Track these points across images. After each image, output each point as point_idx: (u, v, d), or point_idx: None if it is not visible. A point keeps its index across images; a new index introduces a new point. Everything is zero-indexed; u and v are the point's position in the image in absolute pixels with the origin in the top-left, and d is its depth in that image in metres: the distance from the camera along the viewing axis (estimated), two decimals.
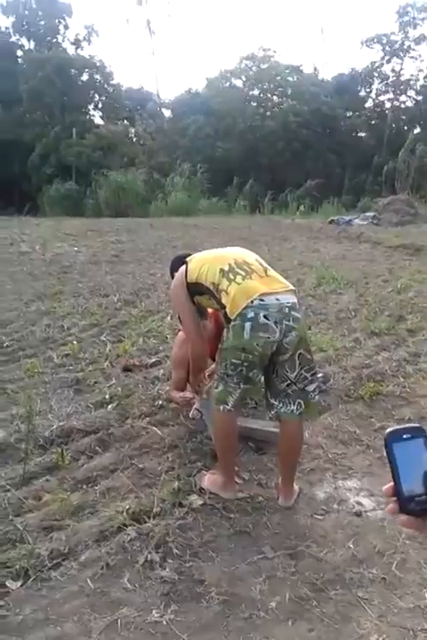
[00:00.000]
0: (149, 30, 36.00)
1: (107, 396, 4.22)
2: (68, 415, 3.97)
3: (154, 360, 5.02)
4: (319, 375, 4.26)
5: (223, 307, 2.81)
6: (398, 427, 0.82)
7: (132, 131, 33.48)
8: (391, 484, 0.79)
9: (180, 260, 3.42)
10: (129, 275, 9.31)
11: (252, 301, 2.71)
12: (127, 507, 2.88)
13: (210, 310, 3.39)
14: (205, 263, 3.01)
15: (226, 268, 2.87)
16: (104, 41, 74.06)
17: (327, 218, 18.37)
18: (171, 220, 18.71)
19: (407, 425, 0.82)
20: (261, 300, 2.72)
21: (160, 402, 4.12)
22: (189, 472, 3.22)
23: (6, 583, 2.45)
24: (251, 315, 2.69)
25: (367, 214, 18.14)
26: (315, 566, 2.53)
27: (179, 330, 4.15)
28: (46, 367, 4.93)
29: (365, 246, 12.70)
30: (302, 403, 2.84)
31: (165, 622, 2.25)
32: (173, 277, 3.48)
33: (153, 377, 4.61)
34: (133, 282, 8.71)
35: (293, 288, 2.92)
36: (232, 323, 2.74)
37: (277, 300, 2.75)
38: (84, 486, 3.15)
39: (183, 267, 3.15)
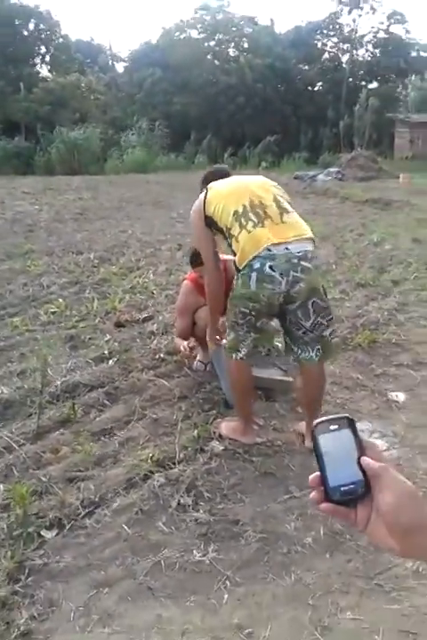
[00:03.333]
0: None
1: (105, 352, 4.20)
2: (69, 371, 3.94)
3: (145, 315, 5.01)
4: None
5: (234, 254, 2.81)
6: (325, 418, 0.80)
7: (83, 84, 32.35)
8: (318, 473, 0.78)
9: (209, 177, 3.26)
10: (99, 232, 9.18)
11: (260, 252, 2.68)
12: (150, 454, 2.91)
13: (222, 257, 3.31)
14: (221, 199, 2.90)
15: (240, 211, 2.78)
16: None
17: (291, 173, 18.43)
18: (130, 177, 18.42)
19: (335, 415, 0.81)
20: (269, 250, 2.68)
21: (161, 355, 4.13)
22: (205, 420, 3.27)
23: (41, 533, 2.46)
24: (257, 265, 2.67)
25: (331, 170, 18.28)
26: None
27: (183, 279, 4.13)
28: (35, 325, 4.86)
29: (333, 201, 12.82)
30: (320, 348, 2.88)
31: (207, 561, 2.31)
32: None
33: (148, 332, 4.61)
34: (105, 239, 8.59)
35: (309, 236, 2.84)
36: (241, 272, 2.75)
37: (286, 249, 2.69)
38: (102, 438, 3.17)
39: (203, 195, 3.01)
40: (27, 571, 2.23)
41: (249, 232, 2.72)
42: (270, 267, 2.66)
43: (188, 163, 23.98)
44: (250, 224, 2.73)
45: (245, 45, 35.41)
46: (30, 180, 17.53)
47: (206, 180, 3.24)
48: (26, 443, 3.10)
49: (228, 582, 2.21)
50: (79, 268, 6.76)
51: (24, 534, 2.41)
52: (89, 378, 3.79)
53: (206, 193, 2.98)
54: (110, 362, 4.05)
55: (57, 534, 2.47)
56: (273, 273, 2.66)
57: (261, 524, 2.50)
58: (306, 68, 36.53)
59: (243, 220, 2.76)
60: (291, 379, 3.66)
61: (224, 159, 23.18)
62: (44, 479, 2.78)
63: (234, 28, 35.32)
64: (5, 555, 2.28)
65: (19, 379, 3.84)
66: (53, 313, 5.12)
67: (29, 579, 2.20)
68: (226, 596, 2.14)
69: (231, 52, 36.07)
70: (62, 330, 4.72)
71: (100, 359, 4.12)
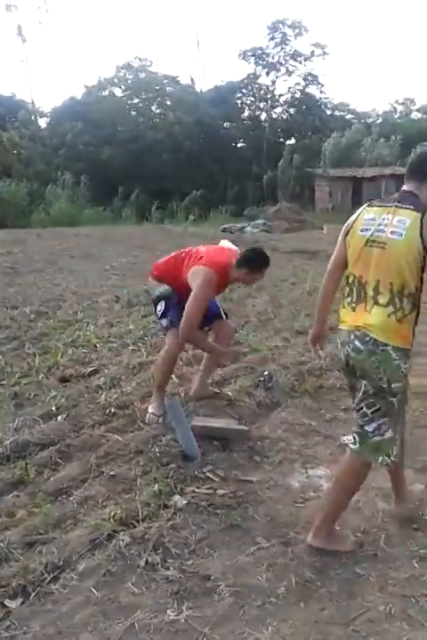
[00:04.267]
0: (20, 37, 34.68)
1: (53, 408, 4.09)
2: (17, 429, 3.80)
3: (90, 369, 4.92)
4: (271, 378, 4.41)
5: None
6: None
7: (5, 139, 31.99)
8: None
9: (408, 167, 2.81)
10: (32, 286, 8.97)
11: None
12: (112, 513, 2.84)
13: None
14: (352, 246, 2.75)
15: (350, 279, 2.75)
16: None
17: (218, 226, 18.83)
18: (57, 231, 18.16)
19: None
20: None
21: (112, 409, 4.06)
22: (164, 474, 3.22)
23: (5, 603, 2.34)
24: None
25: (258, 222, 18.82)
26: (310, 550, 2.65)
27: (196, 263, 3.84)
28: None
29: None
30: (357, 437, 2.66)
31: (182, 620, 2.26)
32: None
33: (95, 386, 4.52)
34: (39, 293, 8.40)
35: (375, 336, 2.58)
36: None
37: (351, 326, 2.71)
38: (59, 498, 3.07)
39: (356, 215, 2.80)
40: None
41: (344, 307, 2.78)
42: (339, 335, 2.77)
43: (116, 216, 24.05)
44: (347, 300, 2.76)
45: (168, 103, 36.38)
46: None
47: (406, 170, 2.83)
48: None
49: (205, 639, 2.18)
50: (16, 322, 6.57)
51: None
52: (39, 436, 3.67)
53: (357, 217, 2.79)
54: (59, 418, 3.94)
55: (22, 603, 2.36)
56: (338, 341, 2.78)
57: (232, 578, 2.48)
58: (227, 125, 37.86)
59: (347, 290, 2.78)
60: (246, 427, 3.69)
61: (152, 212, 23.45)
62: (2, 545, 2.65)
63: (157, 87, 36.28)
64: None
65: None
66: None
67: None
68: None
69: (155, 108, 36.94)
70: (5, 387, 4.56)
71: (49, 416, 4.00)
